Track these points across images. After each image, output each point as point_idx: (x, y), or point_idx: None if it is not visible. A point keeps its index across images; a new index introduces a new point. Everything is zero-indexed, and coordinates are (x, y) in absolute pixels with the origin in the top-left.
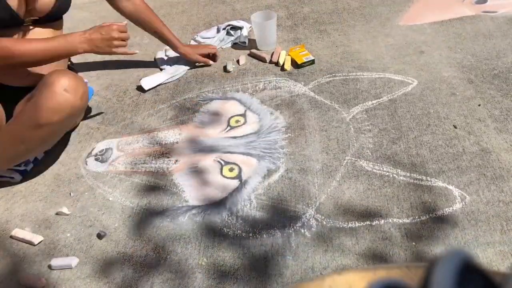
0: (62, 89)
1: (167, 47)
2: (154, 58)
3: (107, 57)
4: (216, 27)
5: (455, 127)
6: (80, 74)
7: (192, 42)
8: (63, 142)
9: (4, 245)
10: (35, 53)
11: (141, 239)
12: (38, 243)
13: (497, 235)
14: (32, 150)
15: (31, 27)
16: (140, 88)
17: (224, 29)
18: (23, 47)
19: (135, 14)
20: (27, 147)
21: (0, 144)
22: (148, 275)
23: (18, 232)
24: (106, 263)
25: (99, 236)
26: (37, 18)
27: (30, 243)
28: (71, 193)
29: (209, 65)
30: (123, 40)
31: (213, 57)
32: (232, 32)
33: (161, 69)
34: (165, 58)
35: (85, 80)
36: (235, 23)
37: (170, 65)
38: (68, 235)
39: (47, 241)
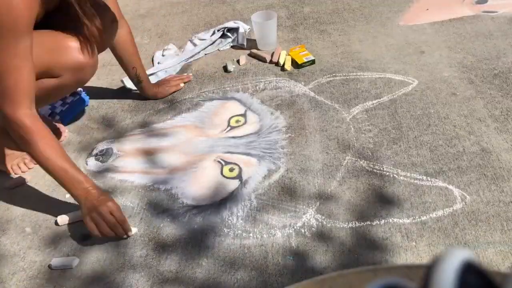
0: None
1: (166, 47)
2: (152, 59)
3: (106, 58)
4: (213, 29)
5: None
6: None
7: (189, 44)
8: (64, 142)
9: (5, 245)
10: (46, 167)
11: (141, 239)
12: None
13: (497, 235)
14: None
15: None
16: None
17: (219, 30)
18: (44, 159)
19: (120, 43)
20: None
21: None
22: (148, 275)
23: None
24: (106, 263)
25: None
26: None
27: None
28: (67, 195)
29: (180, 89)
30: (106, 222)
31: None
32: (229, 34)
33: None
34: (162, 57)
35: (81, 91)
36: (231, 24)
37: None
38: (69, 234)
39: (47, 241)
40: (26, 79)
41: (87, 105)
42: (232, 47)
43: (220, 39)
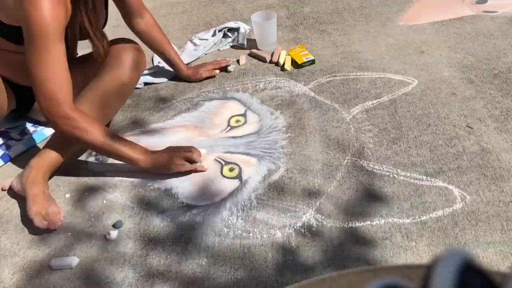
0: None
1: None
2: (152, 59)
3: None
4: (214, 29)
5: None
6: None
7: (189, 43)
8: None
9: (5, 246)
10: (103, 150)
11: (141, 239)
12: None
13: (497, 235)
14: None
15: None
16: (141, 88)
17: (220, 31)
18: (100, 143)
19: (146, 32)
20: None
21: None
22: (148, 275)
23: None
24: (106, 263)
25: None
26: None
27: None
28: (67, 195)
29: (214, 76)
30: (188, 160)
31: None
32: (229, 34)
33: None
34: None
35: None
36: (232, 24)
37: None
38: (69, 234)
39: (47, 241)
40: (65, 80)
41: None
42: (232, 47)
43: (220, 39)
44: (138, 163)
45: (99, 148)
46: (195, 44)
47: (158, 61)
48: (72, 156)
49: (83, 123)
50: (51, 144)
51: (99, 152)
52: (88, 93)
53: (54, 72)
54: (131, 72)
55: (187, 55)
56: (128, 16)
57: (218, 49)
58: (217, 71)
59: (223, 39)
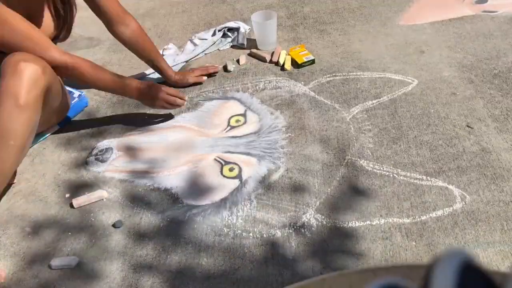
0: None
1: (166, 47)
2: None
3: (106, 58)
4: (214, 29)
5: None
6: None
7: (189, 43)
8: (63, 142)
9: (5, 245)
10: (98, 81)
11: (141, 239)
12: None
13: (497, 235)
14: (23, 145)
15: None
16: None
17: (220, 30)
18: (95, 74)
19: (132, 41)
20: (15, 143)
21: None
22: (148, 275)
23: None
24: (106, 263)
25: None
26: None
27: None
28: (67, 195)
29: (201, 82)
30: (169, 102)
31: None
32: (229, 33)
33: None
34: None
35: (81, 92)
36: (232, 24)
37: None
38: (69, 234)
39: (47, 241)
40: (37, 31)
41: (86, 106)
42: (232, 46)
43: (220, 39)
44: (127, 94)
45: (96, 87)
46: (195, 44)
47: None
48: (71, 156)
49: (77, 66)
50: None
51: (95, 86)
52: None
53: (26, 28)
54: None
55: (186, 54)
56: (110, 25)
57: (218, 49)
58: (205, 77)
59: (222, 38)
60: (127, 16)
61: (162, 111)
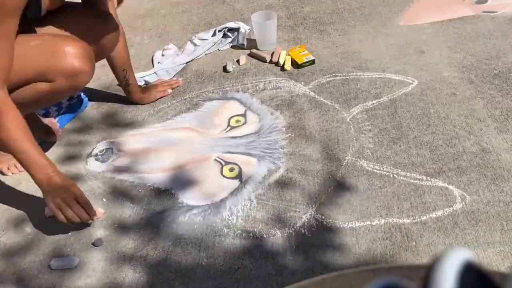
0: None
1: (166, 47)
2: (152, 59)
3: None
4: (214, 29)
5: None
6: None
7: (189, 44)
8: (64, 142)
9: (5, 246)
10: (11, 148)
11: (141, 239)
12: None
13: (497, 235)
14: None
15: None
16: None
17: (220, 31)
18: (11, 140)
19: (113, 55)
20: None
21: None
22: (148, 275)
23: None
24: (106, 263)
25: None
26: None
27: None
28: None
29: (167, 95)
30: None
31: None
32: (229, 34)
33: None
34: (161, 56)
35: (80, 92)
36: (232, 24)
37: (163, 62)
38: (69, 234)
39: (47, 241)
40: (6, 59)
41: (86, 107)
42: (232, 47)
43: (220, 39)
44: (38, 182)
45: (8, 148)
46: (195, 45)
47: (157, 61)
48: (71, 156)
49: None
50: None
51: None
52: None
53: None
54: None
55: (186, 55)
56: None
57: (218, 49)
58: (170, 90)
59: (223, 39)
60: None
61: (163, 113)
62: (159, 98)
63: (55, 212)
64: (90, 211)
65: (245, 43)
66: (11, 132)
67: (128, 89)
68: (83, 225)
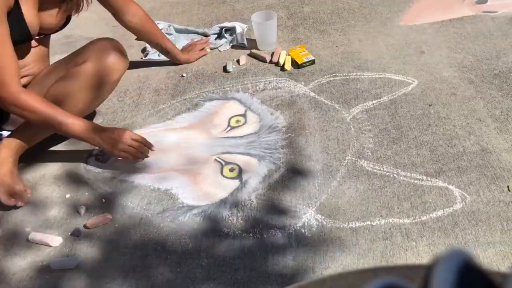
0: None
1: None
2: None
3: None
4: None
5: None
6: None
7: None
8: (63, 142)
9: (5, 245)
10: (40, 118)
11: (142, 239)
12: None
13: (498, 235)
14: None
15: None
16: (141, 88)
17: (216, 34)
18: (41, 109)
19: (139, 27)
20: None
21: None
22: (148, 275)
23: (36, 235)
24: (106, 263)
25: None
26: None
27: (47, 245)
28: (67, 195)
29: (205, 54)
30: (132, 149)
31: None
32: (226, 35)
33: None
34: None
35: None
36: (228, 25)
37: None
38: (69, 234)
39: (47, 240)
40: (10, 62)
41: None
42: (232, 47)
43: (217, 40)
44: (93, 143)
45: (45, 123)
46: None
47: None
48: (71, 156)
49: (29, 106)
50: (24, 125)
51: (46, 126)
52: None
53: None
54: (117, 61)
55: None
56: (117, 14)
57: (218, 50)
58: (208, 49)
59: (218, 40)
60: (132, 4)
61: (163, 113)
62: (201, 56)
63: (125, 157)
64: (148, 144)
65: (245, 42)
66: (46, 112)
67: (170, 55)
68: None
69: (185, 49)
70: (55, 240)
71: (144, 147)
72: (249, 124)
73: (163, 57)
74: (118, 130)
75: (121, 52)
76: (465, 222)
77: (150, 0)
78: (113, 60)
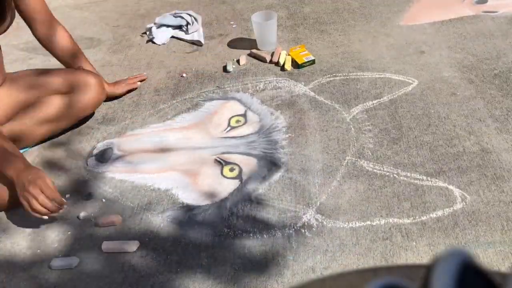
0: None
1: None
2: (145, 31)
3: (106, 58)
4: (171, 16)
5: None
6: None
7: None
8: (63, 142)
9: (5, 246)
10: None
11: (141, 239)
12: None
13: (498, 235)
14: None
15: None
16: (141, 88)
17: (174, 26)
18: None
19: (59, 52)
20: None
21: None
22: (148, 275)
23: (109, 244)
24: (106, 263)
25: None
26: None
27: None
28: (67, 195)
29: (135, 88)
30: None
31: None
32: (185, 28)
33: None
34: (157, 21)
35: None
36: (185, 16)
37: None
38: (69, 234)
39: (47, 241)
40: None
41: None
42: (232, 47)
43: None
44: (10, 178)
45: None
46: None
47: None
48: (71, 156)
49: None
50: None
51: None
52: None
53: None
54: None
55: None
56: (34, 28)
57: (201, 42)
58: (138, 82)
59: (178, 30)
60: (55, 23)
61: (163, 113)
62: (128, 91)
63: (23, 205)
64: (57, 201)
65: (202, 40)
66: None
67: None
68: (53, 215)
69: (115, 82)
70: (133, 245)
71: (52, 204)
72: (249, 124)
73: (166, 43)
74: (35, 174)
75: (101, 88)
76: (465, 222)
77: (150, 0)
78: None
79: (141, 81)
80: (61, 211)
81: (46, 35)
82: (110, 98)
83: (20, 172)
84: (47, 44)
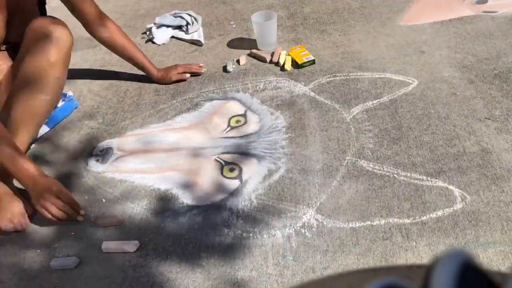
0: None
1: (156, 19)
2: (146, 31)
3: (106, 58)
4: (171, 16)
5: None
6: (80, 74)
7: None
8: (63, 142)
9: (4, 246)
10: None
11: (141, 239)
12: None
13: (498, 235)
14: (53, 100)
15: None
16: (141, 88)
17: (174, 26)
18: None
19: (109, 40)
20: (46, 97)
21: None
22: (148, 275)
23: (109, 244)
24: (106, 263)
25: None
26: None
27: (125, 251)
28: None
29: (184, 80)
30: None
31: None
32: (185, 28)
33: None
34: (157, 21)
35: (70, 94)
36: (185, 16)
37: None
38: (69, 234)
39: (47, 241)
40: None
41: (76, 107)
42: (232, 47)
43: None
44: (25, 186)
45: None
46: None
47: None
48: (71, 156)
49: None
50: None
51: None
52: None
53: None
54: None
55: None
56: (88, 26)
57: (201, 42)
58: (188, 75)
59: (178, 31)
60: (106, 18)
61: (163, 113)
62: (175, 81)
63: (41, 212)
64: (74, 207)
65: (203, 40)
66: None
67: (145, 71)
68: (73, 222)
69: (167, 68)
70: (133, 245)
71: (70, 209)
72: (249, 124)
73: (166, 43)
74: (48, 183)
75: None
76: (465, 222)
77: (150, 0)
78: (50, 53)
79: (193, 74)
80: (79, 217)
81: (106, 38)
82: (158, 83)
83: (35, 180)
84: (108, 46)
